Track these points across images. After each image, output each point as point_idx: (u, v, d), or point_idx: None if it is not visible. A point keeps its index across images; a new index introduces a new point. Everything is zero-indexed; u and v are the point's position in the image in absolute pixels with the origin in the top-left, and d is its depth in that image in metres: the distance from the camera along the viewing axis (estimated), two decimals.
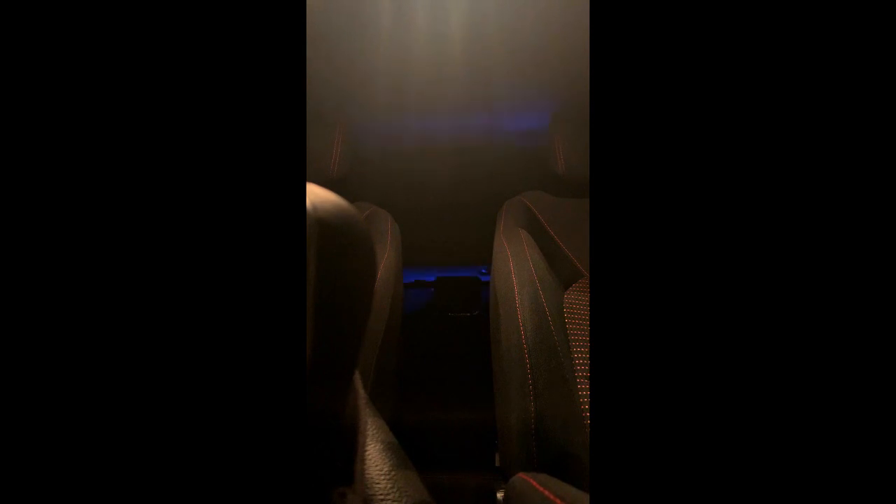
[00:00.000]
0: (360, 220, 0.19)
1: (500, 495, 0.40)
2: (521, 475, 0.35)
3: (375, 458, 0.27)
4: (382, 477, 0.26)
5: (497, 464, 0.58)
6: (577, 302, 0.53)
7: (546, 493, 0.30)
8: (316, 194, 0.18)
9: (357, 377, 0.23)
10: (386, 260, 0.65)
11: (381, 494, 0.25)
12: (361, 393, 0.23)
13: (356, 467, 0.20)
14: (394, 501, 0.25)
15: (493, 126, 0.93)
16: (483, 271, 1.16)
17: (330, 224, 0.17)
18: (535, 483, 0.32)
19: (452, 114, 0.91)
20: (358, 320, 0.19)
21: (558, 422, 0.42)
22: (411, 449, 0.31)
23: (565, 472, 0.39)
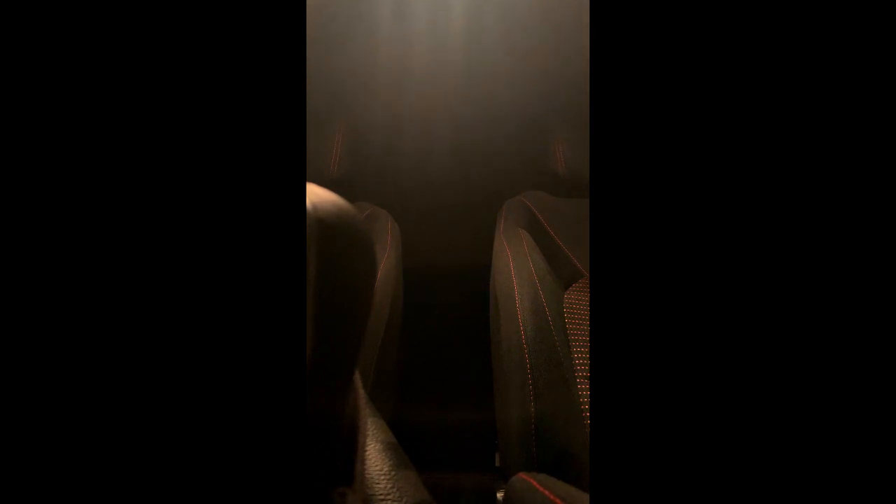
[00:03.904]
0: (360, 220, 0.19)
1: (500, 495, 0.40)
2: (521, 475, 0.35)
3: (375, 458, 0.27)
4: (382, 477, 0.26)
5: (497, 464, 0.58)
6: (577, 302, 0.53)
7: (546, 493, 0.30)
8: (316, 194, 0.18)
9: (357, 377, 0.23)
10: (386, 260, 0.65)
11: (381, 494, 0.25)
12: (361, 393, 0.23)
13: (356, 467, 0.20)
14: (394, 501, 0.25)
15: (493, 126, 0.93)
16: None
17: (330, 224, 0.17)
18: (535, 483, 0.32)
19: (452, 114, 0.91)
20: (358, 320, 0.19)
21: (558, 422, 0.42)
22: (411, 449, 0.31)
23: (565, 472, 0.39)
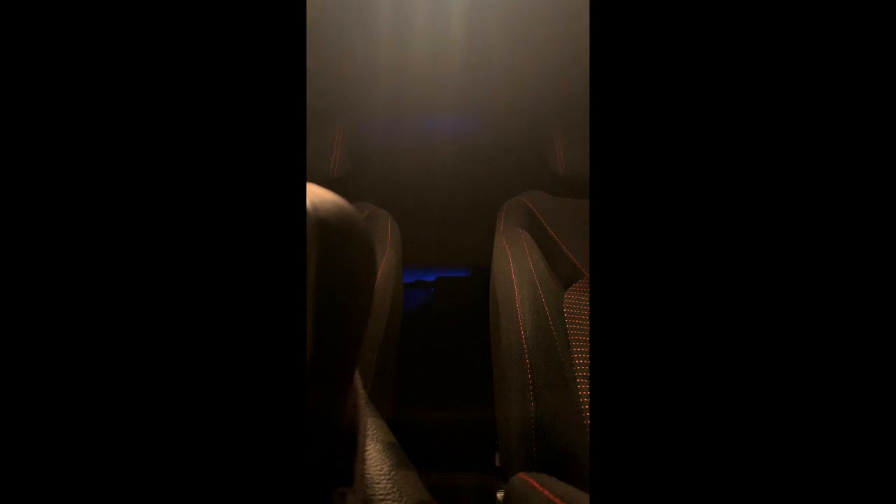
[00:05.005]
0: (360, 220, 0.19)
1: (500, 495, 0.40)
2: (521, 475, 0.35)
3: (375, 458, 0.27)
4: (382, 477, 0.26)
5: (497, 464, 0.58)
6: (577, 302, 0.53)
7: (546, 493, 0.30)
8: (316, 194, 0.18)
9: (357, 377, 0.23)
10: (386, 260, 0.65)
11: (381, 494, 0.25)
12: (361, 393, 0.23)
13: (356, 467, 0.20)
14: (394, 501, 0.25)
15: (493, 126, 0.93)
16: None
17: (330, 224, 0.17)
18: (535, 483, 0.32)
19: (452, 114, 0.91)
20: (358, 320, 0.19)
21: (558, 422, 0.42)
22: (411, 449, 0.31)
23: (565, 472, 0.39)
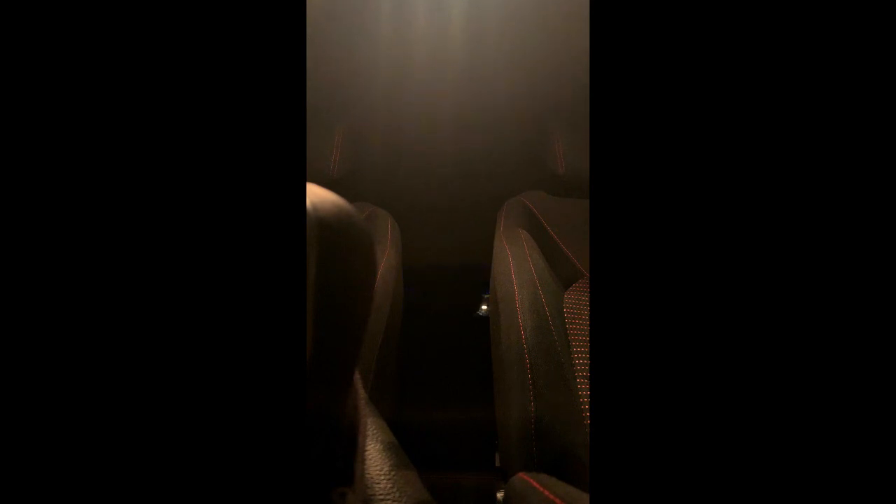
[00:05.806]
0: (360, 220, 0.19)
1: (500, 495, 0.40)
2: (521, 475, 0.35)
3: (375, 458, 0.27)
4: (382, 477, 0.26)
5: (497, 464, 0.58)
6: (577, 302, 0.53)
7: (546, 493, 0.30)
8: (316, 194, 0.18)
9: (357, 377, 0.23)
10: (386, 260, 0.65)
11: (381, 494, 0.25)
12: (361, 393, 0.23)
13: (356, 467, 0.20)
14: (394, 501, 0.25)
15: (493, 126, 0.93)
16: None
17: (330, 224, 0.17)
18: (535, 483, 0.32)
19: (452, 114, 0.91)
20: (358, 320, 0.19)
21: (558, 422, 0.42)
22: (411, 449, 0.31)
23: (565, 472, 0.39)
